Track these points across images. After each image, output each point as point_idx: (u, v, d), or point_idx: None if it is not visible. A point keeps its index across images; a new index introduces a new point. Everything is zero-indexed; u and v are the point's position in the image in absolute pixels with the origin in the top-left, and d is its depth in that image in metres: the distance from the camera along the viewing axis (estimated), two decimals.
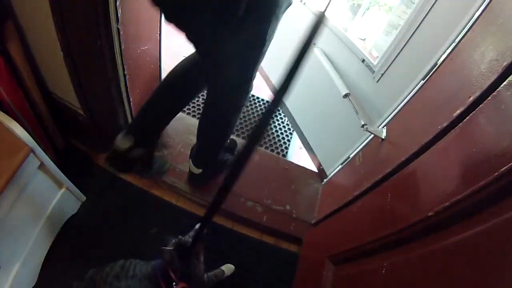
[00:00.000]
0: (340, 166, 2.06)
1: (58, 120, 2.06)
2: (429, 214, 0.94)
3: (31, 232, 1.61)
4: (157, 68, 2.07)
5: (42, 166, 1.49)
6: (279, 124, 2.80)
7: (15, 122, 1.35)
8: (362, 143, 1.83)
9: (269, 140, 2.63)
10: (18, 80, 1.70)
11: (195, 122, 2.44)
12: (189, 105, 2.69)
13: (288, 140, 2.70)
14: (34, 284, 1.66)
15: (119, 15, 1.42)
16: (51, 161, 1.54)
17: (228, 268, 1.77)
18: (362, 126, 1.59)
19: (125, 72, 1.67)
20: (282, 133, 2.73)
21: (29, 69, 1.73)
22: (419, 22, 1.51)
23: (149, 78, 2.02)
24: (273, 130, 2.73)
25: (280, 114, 2.89)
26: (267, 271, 1.91)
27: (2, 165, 1.28)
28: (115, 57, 1.57)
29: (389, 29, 4.03)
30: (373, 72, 1.77)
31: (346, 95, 1.77)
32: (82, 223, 1.89)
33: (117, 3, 1.38)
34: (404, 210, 1.12)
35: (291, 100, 2.73)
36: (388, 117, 1.62)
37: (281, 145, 2.63)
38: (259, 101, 2.93)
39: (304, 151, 2.66)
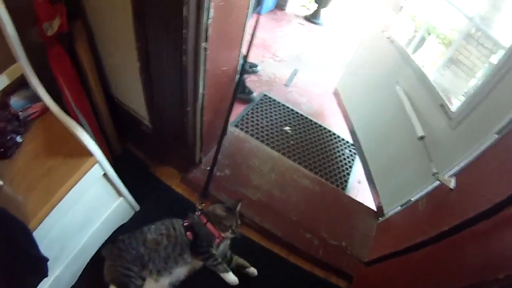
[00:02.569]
0: (400, 208, 2.07)
1: (119, 125, 2.13)
2: (500, 277, 0.97)
3: (79, 240, 1.67)
4: (231, 89, 2.09)
5: (105, 175, 1.57)
6: (340, 156, 2.86)
7: (83, 131, 1.40)
8: (427, 188, 1.82)
9: (330, 172, 2.69)
10: (82, 80, 1.75)
11: (259, 144, 2.56)
12: (254, 129, 2.82)
13: (348, 174, 2.75)
14: (72, 284, 1.72)
15: (208, 34, 1.43)
16: (114, 171, 1.61)
17: (252, 271, 1.87)
18: (434, 174, 1.62)
19: (204, 91, 1.69)
20: (342, 165, 2.79)
21: (94, 70, 1.77)
22: (499, 78, 1.54)
23: (223, 98, 2.07)
24: (334, 162, 2.78)
25: (342, 146, 2.95)
26: None
27: (66, 174, 1.35)
28: (197, 75, 1.58)
29: (448, 64, 4.00)
30: (450, 118, 1.78)
31: (421, 138, 1.82)
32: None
33: (208, 22, 1.39)
34: (474, 268, 1.15)
35: (364, 132, 2.79)
36: (459, 166, 1.61)
37: (340, 178, 2.69)
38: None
39: (362, 185, 2.72)
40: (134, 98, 1.91)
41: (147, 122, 2.02)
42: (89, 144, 1.41)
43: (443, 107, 1.86)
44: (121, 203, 1.85)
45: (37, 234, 1.25)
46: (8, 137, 1.37)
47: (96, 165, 1.45)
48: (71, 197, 1.38)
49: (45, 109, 1.53)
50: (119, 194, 1.80)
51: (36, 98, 1.52)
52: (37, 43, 1.51)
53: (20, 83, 1.50)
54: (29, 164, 1.39)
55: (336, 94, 3.37)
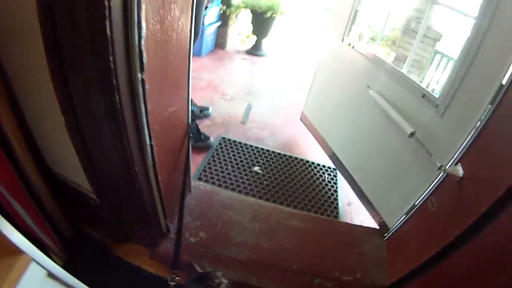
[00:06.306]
0: (405, 216, 1.97)
1: (63, 202, 1.83)
2: None
3: None
4: (184, 134, 1.88)
5: (50, 275, 1.16)
6: (320, 183, 2.73)
7: (8, 224, 1.01)
8: (430, 186, 1.75)
9: (315, 203, 2.54)
10: (7, 152, 1.43)
11: (230, 193, 2.39)
12: (220, 178, 2.65)
13: (335, 199, 2.61)
14: None
15: (144, 60, 1.11)
16: (60, 267, 1.21)
17: None
18: (439, 168, 1.54)
19: (152, 142, 1.39)
20: (326, 192, 2.66)
21: (21, 139, 1.48)
22: (476, 47, 1.52)
23: (177, 148, 1.85)
24: (316, 191, 2.65)
25: (319, 172, 2.85)
26: None
27: None
28: (139, 120, 1.27)
29: (395, 63, 4.24)
30: (436, 106, 1.75)
31: (412, 134, 1.76)
32: None
33: (142, 44, 1.08)
34: None
35: (344, 150, 2.69)
36: (460, 152, 1.55)
37: (329, 206, 2.54)
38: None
39: (354, 207, 2.60)
40: (73, 167, 1.58)
41: (93, 195, 1.71)
42: (16, 239, 1.02)
43: (425, 96, 1.83)
44: None
45: None
46: None
47: (33, 265, 1.05)
48: None
49: None
50: None
51: None
52: None
53: None
54: None
55: (304, 118, 3.28)
